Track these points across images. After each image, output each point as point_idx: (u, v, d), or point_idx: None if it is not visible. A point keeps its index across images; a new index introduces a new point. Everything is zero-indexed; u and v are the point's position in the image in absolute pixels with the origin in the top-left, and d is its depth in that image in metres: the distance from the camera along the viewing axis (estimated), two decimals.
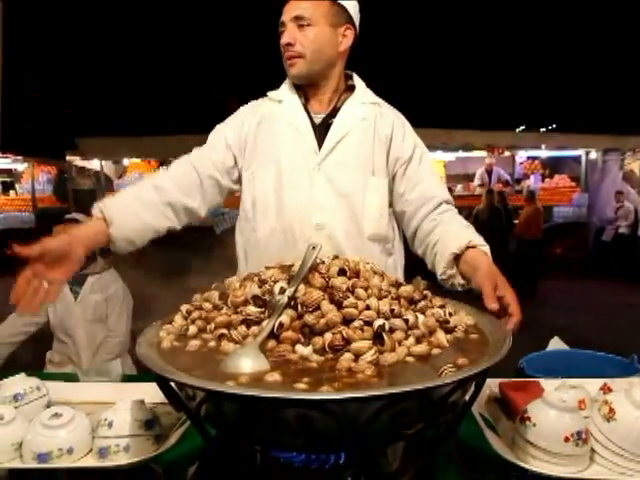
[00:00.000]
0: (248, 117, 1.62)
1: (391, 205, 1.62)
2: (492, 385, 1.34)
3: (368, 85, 1.67)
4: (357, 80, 1.66)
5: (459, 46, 11.96)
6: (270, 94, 1.65)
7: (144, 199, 1.50)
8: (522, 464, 1.02)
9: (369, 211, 1.56)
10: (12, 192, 12.35)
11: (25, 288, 1.16)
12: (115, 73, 12.05)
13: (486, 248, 1.40)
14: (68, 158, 11.44)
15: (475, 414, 1.21)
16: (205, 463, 1.09)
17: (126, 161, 12.36)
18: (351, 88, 1.64)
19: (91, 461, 1.04)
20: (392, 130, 1.60)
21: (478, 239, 1.41)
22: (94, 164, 11.74)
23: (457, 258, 1.40)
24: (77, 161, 11.60)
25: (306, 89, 1.61)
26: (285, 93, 1.62)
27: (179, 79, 11.42)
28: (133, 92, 11.96)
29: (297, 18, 1.50)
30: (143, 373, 2.29)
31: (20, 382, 1.23)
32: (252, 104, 1.67)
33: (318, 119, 1.59)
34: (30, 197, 11.65)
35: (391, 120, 1.61)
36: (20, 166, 12.43)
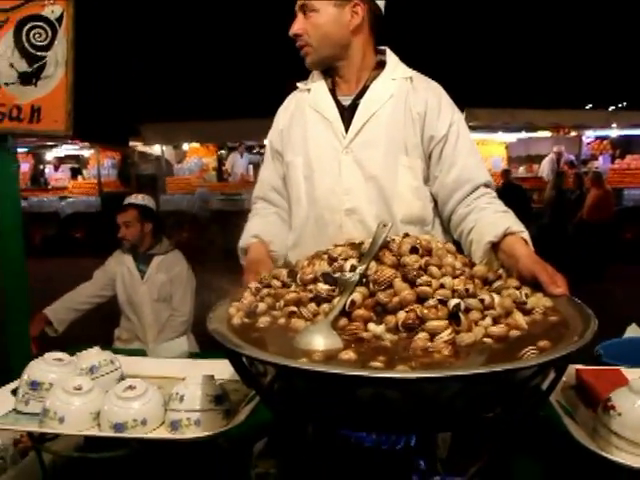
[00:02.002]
0: (282, 114, 1.65)
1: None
2: (568, 371, 1.28)
3: (424, 64, 1.60)
4: (389, 55, 1.58)
5: (521, 20, 11.47)
6: (299, 85, 1.65)
7: (275, 222, 1.63)
8: (605, 454, 0.97)
9: (401, 193, 1.50)
10: (80, 177, 12.89)
11: None
12: (175, 60, 12.29)
13: (525, 234, 1.31)
14: (131, 144, 11.84)
15: (552, 401, 1.16)
16: (273, 440, 1.09)
17: (186, 146, 12.65)
18: (382, 65, 1.57)
19: (164, 433, 1.06)
20: (426, 107, 1.50)
21: (516, 225, 1.32)
22: (155, 149, 12.09)
23: (495, 246, 1.32)
24: (139, 147, 11.99)
25: (331, 73, 1.58)
26: (312, 81, 1.61)
27: (237, 64, 11.52)
28: (192, 78, 12.18)
29: (302, 6, 1.48)
30: (206, 351, 2.35)
31: (95, 355, 1.27)
32: (286, 101, 1.68)
33: (347, 101, 1.55)
34: (96, 182, 12.13)
35: (425, 96, 1.51)
36: (87, 152, 12.96)
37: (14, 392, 1.18)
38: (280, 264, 1.51)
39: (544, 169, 10.55)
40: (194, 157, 12.59)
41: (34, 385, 1.14)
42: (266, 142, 1.71)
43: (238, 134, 11.08)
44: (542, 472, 1.07)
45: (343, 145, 1.50)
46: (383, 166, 1.49)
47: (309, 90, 1.60)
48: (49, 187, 12.52)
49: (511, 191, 8.09)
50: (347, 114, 1.53)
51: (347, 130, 1.51)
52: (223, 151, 12.77)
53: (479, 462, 0.97)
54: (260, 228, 1.57)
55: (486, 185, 1.49)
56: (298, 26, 1.49)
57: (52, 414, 1.05)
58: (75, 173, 13.09)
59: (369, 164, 1.49)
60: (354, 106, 1.53)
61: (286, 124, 1.62)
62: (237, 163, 11.91)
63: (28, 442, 1.22)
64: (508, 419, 0.91)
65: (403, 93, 1.52)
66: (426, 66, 1.62)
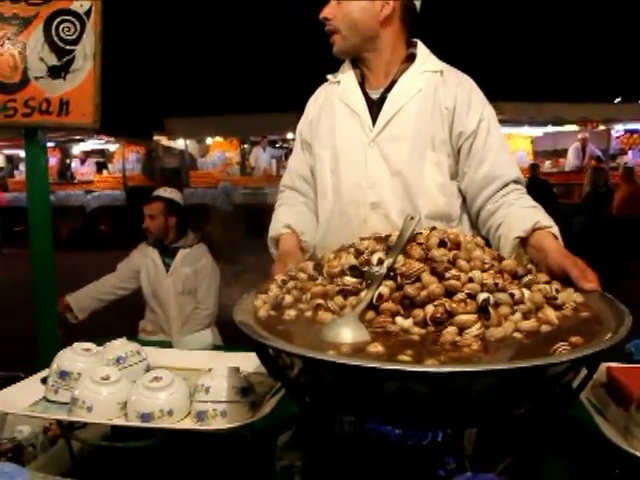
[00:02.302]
0: (311, 105, 1.65)
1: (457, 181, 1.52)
2: (598, 369, 1.25)
3: (449, 56, 1.56)
4: (420, 48, 1.55)
5: (549, 11, 11.24)
6: (329, 77, 1.63)
7: (303, 212, 1.63)
8: (638, 454, 0.94)
9: (426, 188, 1.48)
10: (105, 171, 13.08)
11: None
12: (199, 55, 12.36)
13: (555, 230, 1.28)
14: (155, 138, 11.97)
15: (582, 399, 1.13)
16: (298, 433, 1.09)
17: (209, 140, 12.74)
18: (412, 57, 1.54)
19: (190, 424, 1.07)
20: (455, 101, 1.47)
21: (546, 220, 1.29)
22: (179, 143, 12.20)
23: (523, 241, 1.29)
24: (163, 141, 12.12)
25: (360, 65, 1.56)
26: (342, 74, 1.59)
27: (261, 59, 11.54)
28: (216, 73, 12.24)
29: None
30: (230, 344, 2.36)
31: (122, 346, 1.28)
32: (315, 93, 1.67)
33: (376, 94, 1.53)
34: (121, 176, 12.29)
35: (454, 91, 1.48)
36: (112, 147, 13.14)
37: (44, 381, 1.20)
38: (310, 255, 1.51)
39: (570, 159, 10.35)
40: (217, 151, 12.68)
41: (63, 374, 1.16)
42: (296, 132, 1.70)
43: (261, 128, 11.13)
44: (571, 471, 1.05)
45: (370, 138, 1.49)
46: (409, 161, 1.48)
47: (339, 82, 1.59)
48: (75, 181, 12.74)
49: (537, 186, 7.95)
50: (375, 107, 1.51)
51: (374, 124, 1.49)
52: (246, 145, 12.83)
53: (507, 459, 0.96)
54: (291, 218, 1.56)
55: (516, 181, 1.46)
56: (329, 10, 1.48)
57: (81, 403, 1.07)
58: (100, 167, 13.29)
59: (395, 158, 1.48)
60: (382, 100, 1.51)
61: (315, 115, 1.62)
62: (260, 157, 11.96)
63: (57, 430, 1.23)
64: (538, 416, 0.89)
65: (432, 87, 1.49)
66: (452, 58, 1.59)
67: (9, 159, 13.87)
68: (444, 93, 1.49)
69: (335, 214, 1.54)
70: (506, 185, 1.44)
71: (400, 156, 1.48)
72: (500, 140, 1.51)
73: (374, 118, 1.50)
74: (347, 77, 1.57)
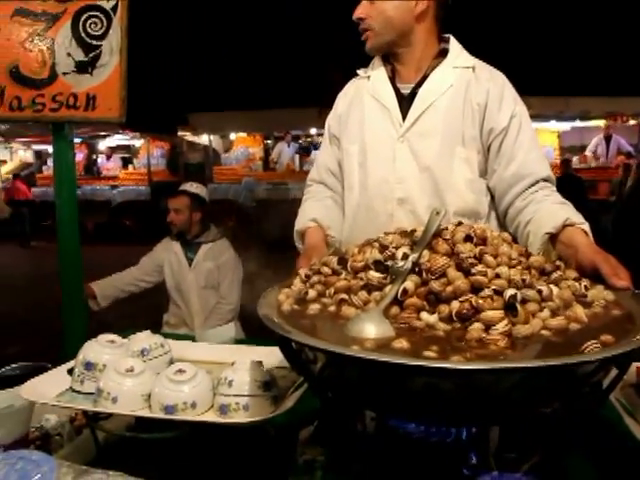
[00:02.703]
0: (341, 99, 1.64)
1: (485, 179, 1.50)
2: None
3: (471, 50, 1.54)
4: (453, 43, 1.53)
5: (577, 4, 10.99)
6: (360, 72, 1.62)
7: (330, 206, 1.61)
8: None
9: (455, 185, 1.45)
10: (130, 167, 13.26)
11: None
12: (223, 50, 12.41)
13: (585, 226, 1.25)
14: (180, 133, 12.08)
15: (611, 399, 1.11)
16: (321, 428, 1.09)
17: (233, 135, 12.80)
18: (444, 53, 1.52)
19: (213, 416, 1.07)
20: (487, 98, 1.45)
21: (576, 217, 1.26)
22: (203, 139, 12.29)
23: (553, 238, 1.26)
24: (188, 136, 12.21)
25: (392, 61, 1.54)
26: (373, 69, 1.58)
27: (285, 54, 11.54)
28: (240, 68, 12.28)
29: None
30: (252, 338, 2.37)
31: (146, 338, 1.29)
32: (346, 86, 1.66)
33: (407, 90, 1.51)
34: (146, 171, 12.44)
35: (486, 87, 1.46)
36: (137, 142, 13.31)
37: (70, 372, 1.21)
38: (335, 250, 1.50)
39: (590, 152, 10.14)
40: (241, 146, 12.75)
41: (88, 366, 1.18)
42: (325, 126, 1.69)
43: (284, 123, 11.15)
44: (599, 473, 1.03)
45: (399, 134, 1.48)
46: (438, 157, 1.46)
47: (369, 77, 1.58)
48: (101, 176, 12.94)
49: (570, 182, 7.75)
50: (405, 103, 1.50)
51: (404, 119, 1.48)
52: (269, 141, 12.87)
53: (533, 459, 0.94)
54: (318, 212, 1.56)
55: (546, 179, 1.43)
56: (362, 10, 1.47)
57: (106, 394, 1.08)
58: (126, 162, 13.48)
59: (424, 154, 1.46)
60: (413, 95, 1.50)
61: (344, 110, 1.61)
62: (283, 152, 11.99)
63: (83, 420, 1.25)
64: (566, 416, 0.87)
65: (464, 83, 1.47)
66: (478, 53, 1.56)
67: (38, 154, 14.16)
68: (476, 89, 1.46)
69: (362, 209, 1.53)
70: (536, 183, 1.42)
71: (429, 152, 1.46)
72: (531, 137, 1.48)
73: (404, 113, 1.49)
74: (377, 72, 1.56)
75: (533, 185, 1.42)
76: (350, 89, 1.64)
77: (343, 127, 1.60)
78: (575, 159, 10.57)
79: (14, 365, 1.87)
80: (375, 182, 1.50)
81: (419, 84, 1.50)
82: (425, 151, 1.46)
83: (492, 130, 1.45)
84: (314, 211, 1.56)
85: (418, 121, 1.47)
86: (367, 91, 1.56)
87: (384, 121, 1.50)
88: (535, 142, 1.49)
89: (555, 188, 1.44)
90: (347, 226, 1.57)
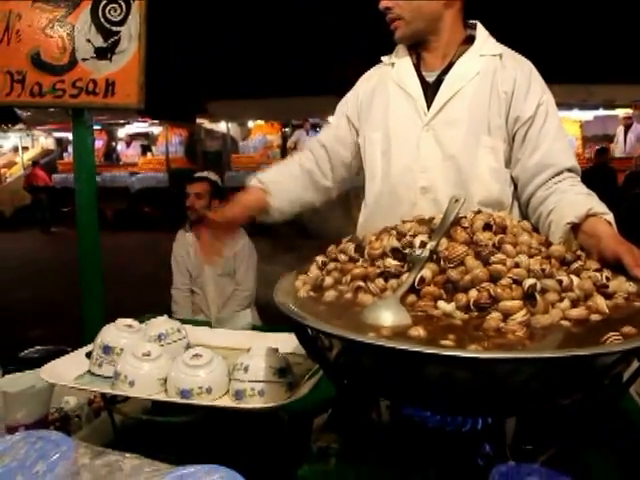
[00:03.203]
0: (363, 86, 1.60)
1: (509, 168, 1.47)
2: None
3: (494, 36, 1.50)
4: (480, 30, 1.49)
5: None
6: (384, 59, 1.59)
7: (293, 175, 1.61)
8: None
9: (479, 175, 1.42)
10: (149, 154, 13.33)
11: (207, 245, 1.52)
12: (241, 38, 12.37)
13: (609, 217, 1.21)
14: (198, 121, 12.09)
15: (631, 392, 1.09)
16: (335, 415, 1.09)
17: (250, 123, 12.79)
18: (470, 40, 1.48)
19: (228, 401, 1.08)
20: (514, 86, 1.42)
21: (600, 207, 1.22)
22: (221, 127, 12.31)
23: (575, 228, 1.22)
24: (206, 124, 12.22)
25: (418, 48, 1.51)
26: (397, 56, 1.55)
27: (303, 42, 11.47)
28: (258, 55, 12.25)
29: None
30: (269, 325, 2.38)
31: (163, 323, 1.31)
32: (367, 73, 1.63)
33: (432, 77, 1.48)
34: (164, 158, 12.50)
35: (513, 74, 1.43)
36: (156, 129, 13.36)
37: (88, 355, 1.23)
38: (275, 217, 1.56)
39: (620, 144, 9.92)
40: (259, 134, 12.74)
41: (106, 349, 1.19)
42: (337, 107, 1.65)
43: (302, 111, 11.11)
44: (618, 466, 1.01)
45: (424, 122, 1.45)
46: (463, 146, 1.43)
47: (393, 65, 1.55)
48: (120, 163, 13.04)
49: (603, 174, 7.46)
50: (431, 90, 1.47)
51: (429, 107, 1.45)
52: (287, 129, 12.83)
53: (550, 451, 0.93)
54: (272, 176, 1.59)
55: (570, 170, 1.39)
56: (388, 0, 1.44)
57: (123, 377, 1.09)
58: (145, 150, 13.55)
59: (449, 143, 1.43)
60: (438, 82, 1.47)
61: (367, 97, 1.57)
62: (301, 140, 11.95)
63: (101, 402, 1.27)
64: (585, 408, 0.86)
65: (490, 71, 1.44)
66: (500, 39, 1.53)
67: (59, 142, 14.30)
68: (503, 77, 1.43)
69: (384, 196, 1.50)
70: (560, 173, 1.38)
71: (455, 141, 1.43)
72: (557, 127, 1.44)
73: (429, 101, 1.46)
74: (402, 60, 1.53)
75: (557, 175, 1.38)
76: (373, 76, 1.61)
77: (365, 114, 1.57)
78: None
79: (38, 348, 1.91)
80: (398, 170, 1.47)
81: (444, 71, 1.47)
82: (450, 140, 1.43)
83: (518, 119, 1.42)
84: (269, 174, 1.59)
85: (443, 109, 1.44)
86: (391, 79, 1.53)
87: (408, 109, 1.47)
88: (561, 131, 1.46)
89: (580, 179, 1.41)
90: (367, 213, 1.55)
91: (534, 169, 1.41)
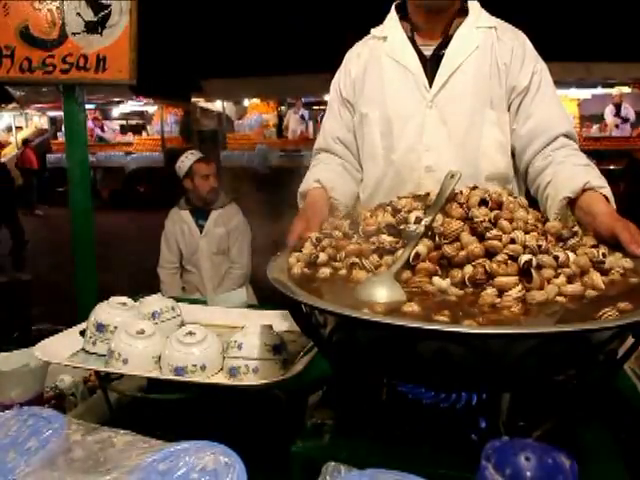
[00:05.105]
0: (354, 61, 1.54)
1: None
2: None
3: (493, 13, 1.47)
4: (472, 1, 1.46)
5: None
6: (373, 31, 1.53)
7: (336, 171, 1.53)
8: None
9: (486, 148, 1.41)
10: (144, 133, 13.21)
11: None
12: (237, 15, 12.19)
13: (606, 190, 1.19)
14: (193, 100, 11.97)
15: (625, 368, 1.09)
16: (329, 393, 1.09)
17: (246, 102, 12.67)
18: (464, 12, 1.45)
19: (222, 379, 1.08)
20: (511, 57, 1.40)
21: (597, 180, 1.20)
22: (217, 106, 12.19)
23: (572, 202, 1.21)
24: (201, 103, 12.10)
25: (417, 19, 1.45)
26: (389, 28, 1.49)
27: (298, 19, 11.31)
28: (254, 33, 12.09)
29: None
30: (264, 303, 2.38)
31: (157, 301, 1.30)
32: (356, 47, 1.56)
33: (428, 51, 1.44)
34: (159, 138, 12.40)
35: (510, 45, 1.41)
36: (150, 109, 13.22)
37: (82, 333, 1.22)
38: (340, 213, 1.44)
39: (609, 122, 9.89)
40: (254, 113, 12.63)
41: (100, 327, 1.18)
42: (331, 90, 1.59)
43: (298, 89, 11.00)
44: (612, 441, 1.02)
45: (427, 99, 1.41)
46: (469, 122, 1.41)
47: (385, 38, 1.49)
48: (115, 143, 12.92)
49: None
50: (430, 65, 1.43)
51: (430, 83, 1.42)
52: (283, 107, 12.72)
53: (544, 427, 0.93)
54: (323, 174, 1.49)
55: (566, 135, 1.37)
56: None
57: (117, 355, 1.09)
58: (139, 129, 13.42)
59: (454, 119, 1.41)
60: (438, 56, 1.43)
61: (359, 73, 1.51)
62: (292, 120, 11.86)
63: (96, 381, 1.27)
64: (579, 384, 0.86)
65: (489, 44, 1.42)
66: (499, 17, 1.50)
67: (53, 121, 14.14)
68: (500, 49, 1.41)
69: (386, 177, 1.47)
70: (555, 139, 1.36)
71: (460, 117, 1.41)
72: (551, 94, 1.43)
73: (429, 77, 1.42)
74: (395, 32, 1.48)
75: (553, 141, 1.36)
76: (364, 51, 1.54)
77: (359, 92, 1.52)
78: (595, 128, 10.33)
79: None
80: (402, 151, 1.44)
81: (442, 45, 1.44)
82: (455, 116, 1.41)
83: (514, 89, 1.41)
84: (319, 174, 1.49)
85: (447, 85, 1.40)
86: (385, 53, 1.48)
87: (408, 86, 1.43)
88: (555, 99, 1.44)
89: (577, 145, 1.39)
90: (368, 194, 1.52)
91: (529, 135, 1.39)
